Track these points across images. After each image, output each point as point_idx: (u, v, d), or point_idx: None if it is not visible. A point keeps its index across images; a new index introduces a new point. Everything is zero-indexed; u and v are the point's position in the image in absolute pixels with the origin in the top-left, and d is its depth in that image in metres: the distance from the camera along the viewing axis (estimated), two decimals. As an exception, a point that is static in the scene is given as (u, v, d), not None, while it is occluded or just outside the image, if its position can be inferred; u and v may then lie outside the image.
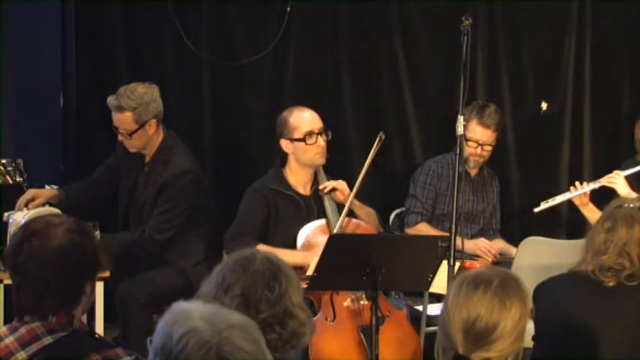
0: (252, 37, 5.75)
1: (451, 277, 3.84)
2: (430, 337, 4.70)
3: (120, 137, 4.89)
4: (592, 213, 4.94)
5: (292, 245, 4.57)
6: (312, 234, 4.59)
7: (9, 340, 2.52)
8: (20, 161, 5.21)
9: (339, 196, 4.68)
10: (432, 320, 4.76)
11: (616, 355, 3.22)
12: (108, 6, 5.73)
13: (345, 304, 4.40)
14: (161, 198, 4.85)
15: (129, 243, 4.84)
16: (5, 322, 3.70)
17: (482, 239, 5.24)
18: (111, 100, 4.82)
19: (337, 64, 5.80)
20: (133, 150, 4.92)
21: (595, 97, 5.81)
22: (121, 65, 5.74)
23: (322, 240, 4.06)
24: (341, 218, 4.57)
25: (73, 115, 5.75)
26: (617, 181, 4.97)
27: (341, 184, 4.71)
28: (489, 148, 5.26)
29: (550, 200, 5.10)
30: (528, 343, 3.31)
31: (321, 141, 4.70)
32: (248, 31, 5.75)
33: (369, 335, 4.03)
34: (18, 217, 4.50)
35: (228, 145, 5.83)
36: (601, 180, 5.03)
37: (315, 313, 4.33)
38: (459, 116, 4.14)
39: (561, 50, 5.81)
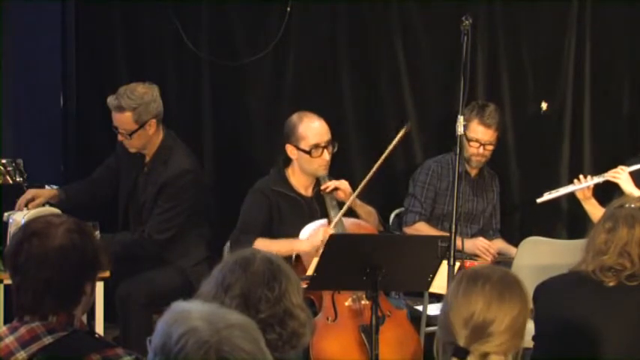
0: (252, 37, 5.75)
1: (451, 277, 3.84)
2: (430, 337, 4.70)
3: (120, 137, 4.89)
4: (594, 208, 4.95)
5: (294, 245, 4.59)
6: (314, 233, 4.58)
7: (9, 339, 2.52)
8: (20, 161, 5.21)
9: (341, 195, 4.69)
10: (432, 320, 4.75)
11: (616, 356, 3.22)
12: (108, 6, 5.73)
13: (346, 303, 4.40)
14: (161, 198, 4.85)
15: (129, 243, 4.84)
16: (5, 322, 3.69)
17: (481, 239, 5.24)
18: (111, 100, 4.81)
19: (337, 64, 5.80)
20: (133, 150, 4.92)
21: (595, 97, 5.81)
22: (121, 65, 5.74)
23: (321, 231, 4.06)
24: (340, 213, 4.56)
25: (73, 115, 5.74)
26: (621, 176, 4.97)
27: (343, 184, 4.71)
28: (491, 147, 5.27)
29: (553, 191, 5.11)
30: (528, 343, 3.31)
31: (327, 154, 4.69)
32: (248, 31, 5.75)
33: (369, 335, 4.03)
34: (18, 217, 4.50)
35: (228, 145, 5.82)
36: (605, 174, 5.03)
37: (315, 313, 4.33)
38: (459, 116, 4.14)
39: (561, 50, 5.81)
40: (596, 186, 5.04)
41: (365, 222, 4.71)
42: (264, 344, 1.78)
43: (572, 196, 5.17)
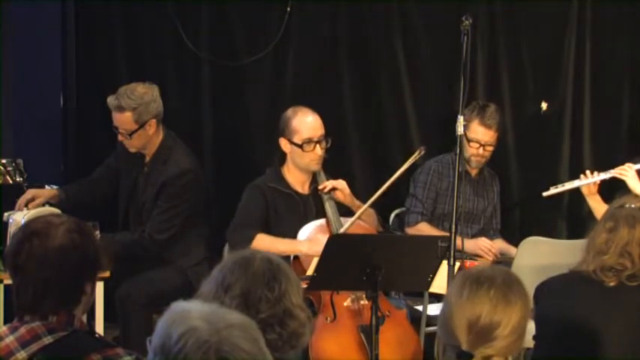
0: (252, 37, 5.75)
1: (451, 277, 3.84)
2: (430, 337, 4.70)
3: (120, 137, 4.89)
4: (598, 204, 4.95)
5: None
6: (313, 234, 4.59)
7: (9, 339, 2.52)
8: (20, 161, 5.21)
9: (339, 195, 4.69)
10: (432, 320, 4.75)
11: (616, 356, 3.22)
12: (108, 6, 5.73)
13: (345, 304, 4.40)
14: (161, 198, 4.85)
15: (129, 243, 4.84)
16: (5, 322, 3.69)
17: (483, 239, 5.24)
18: (111, 100, 4.82)
19: (337, 64, 5.80)
20: (132, 150, 4.92)
21: (595, 97, 5.81)
22: (121, 65, 5.74)
23: (323, 240, 4.06)
24: (348, 224, 4.56)
25: (73, 116, 5.74)
26: (628, 173, 4.97)
27: (341, 184, 4.71)
28: (491, 148, 5.26)
29: (560, 185, 5.11)
30: (529, 343, 3.32)
31: (319, 149, 4.70)
32: (248, 31, 5.75)
33: (369, 335, 4.03)
34: (18, 217, 4.50)
35: (228, 145, 5.82)
36: (612, 171, 5.02)
37: (315, 313, 4.33)
38: (459, 116, 4.14)
39: (561, 50, 5.80)
40: (601, 183, 5.04)
41: (364, 222, 4.71)
42: (264, 344, 1.78)
43: (572, 196, 5.17)
